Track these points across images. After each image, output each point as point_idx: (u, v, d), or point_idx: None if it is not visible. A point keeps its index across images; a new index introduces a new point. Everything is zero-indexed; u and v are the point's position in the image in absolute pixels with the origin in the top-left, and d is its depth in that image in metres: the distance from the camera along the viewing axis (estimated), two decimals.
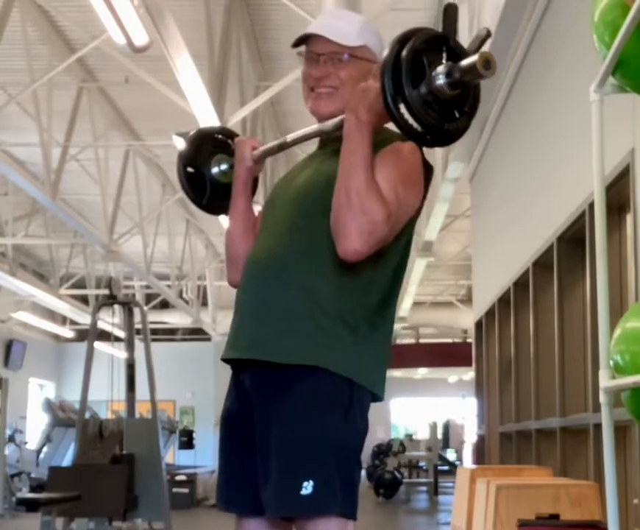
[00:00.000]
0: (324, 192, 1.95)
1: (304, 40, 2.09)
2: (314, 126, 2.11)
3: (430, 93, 1.79)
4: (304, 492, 1.85)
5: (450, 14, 1.83)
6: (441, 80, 1.78)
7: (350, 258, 1.87)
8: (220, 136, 2.35)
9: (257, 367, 1.95)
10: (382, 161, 1.93)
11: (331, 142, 2.09)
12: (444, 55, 1.81)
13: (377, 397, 2.00)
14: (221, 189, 2.30)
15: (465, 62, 1.77)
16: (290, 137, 2.18)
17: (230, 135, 2.36)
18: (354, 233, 1.84)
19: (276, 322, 1.93)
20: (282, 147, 2.22)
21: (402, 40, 1.82)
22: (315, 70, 2.07)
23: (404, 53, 1.79)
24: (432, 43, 1.82)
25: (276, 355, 1.92)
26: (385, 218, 1.86)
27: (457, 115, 1.87)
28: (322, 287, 1.93)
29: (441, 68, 1.79)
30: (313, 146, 2.25)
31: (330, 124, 2.05)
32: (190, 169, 2.32)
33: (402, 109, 1.81)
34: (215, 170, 2.31)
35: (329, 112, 2.06)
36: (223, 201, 2.28)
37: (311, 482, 1.86)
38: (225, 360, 2.05)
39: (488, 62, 1.75)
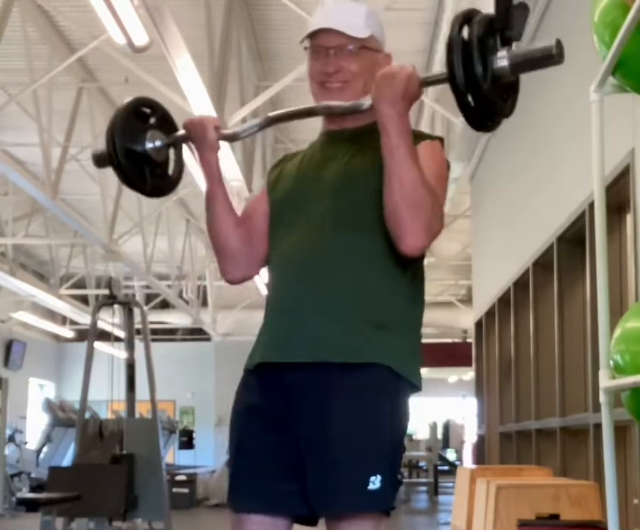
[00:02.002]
0: (365, 189, 1.95)
1: (311, 34, 2.06)
2: (304, 106, 2.06)
3: (493, 74, 1.80)
4: (371, 487, 1.86)
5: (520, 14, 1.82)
6: (504, 62, 1.79)
7: (414, 253, 1.89)
8: (145, 109, 2.18)
9: (309, 366, 1.92)
10: (421, 157, 1.93)
11: (351, 134, 2.06)
12: (499, 39, 1.82)
13: (417, 388, 2.02)
14: (159, 168, 2.16)
15: (540, 46, 1.79)
16: (273, 115, 2.12)
17: (152, 105, 2.19)
18: (418, 229, 1.86)
19: (337, 322, 1.92)
20: (264, 126, 2.13)
21: (466, 19, 1.83)
22: (326, 64, 2.03)
23: (474, 31, 1.79)
24: (491, 27, 1.81)
25: (345, 356, 1.90)
26: (440, 212, 1.91)
27: (506, 99, 1.88)
28: (372, 284, 1.94)
29: (504, 52, 1.79)
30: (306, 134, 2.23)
31: (343, 105, 2.00)
32: (129, 147, 2.10)
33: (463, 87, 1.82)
34: (149, 148, 2.12)
35: None
36: (162, 181, 2.18)
37: (378, 477, 1.87)
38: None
39: (562, 49, 1.78)
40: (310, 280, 1.94)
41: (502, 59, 1.79)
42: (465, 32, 1.81)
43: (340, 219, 1.96)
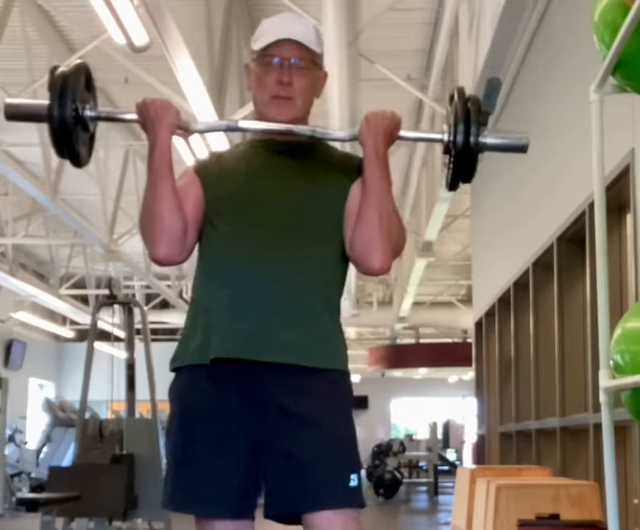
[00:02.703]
0: (324, 202, 2.09)
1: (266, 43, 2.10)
2: (280, 126, 2.11)
3: (479, 146, 2.09)
4: (352, 484, 1.97)
5: (494, 88, 2.18)
6: (486, 139, 2.08)
7: (381, 272, 2.05)
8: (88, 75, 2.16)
9: (281, 369, 1.96)
10: None
11: (295, 145, 2.13)
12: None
13: None
14: (89, 140, 2.17)
15: (515, 141, 2.15)
16: (243, 124, 2.18)
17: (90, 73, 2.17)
18: (386, 251, 2.03)
19: (306, 327, 2.00)
20: (230, 129, 2.21)
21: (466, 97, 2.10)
22: (281, 75, 2.07)
23: (474, 108, 2.07)
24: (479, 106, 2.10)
25: (316, 361, 1.99)
26: (404, 233, 2.11)
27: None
28: (331, 292, 2.09)
29: (488, 134, 2.09)
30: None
31: (337, 134, 2.19)
32: (78, 109, 2.07)
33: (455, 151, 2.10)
34: (92, 115, 2.11)
35: (290, 119, 2.10)
36: (86, 153, 2.17)
37: (356, 474, 1.99)
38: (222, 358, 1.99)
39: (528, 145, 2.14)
40: (276, 282, 1.99)
41: (485, 137, 2.08)
42: (460, 105, 2.07)
43: (302, 227, 2.06)
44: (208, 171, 2.15)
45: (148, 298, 17.99)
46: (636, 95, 2.54)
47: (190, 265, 17.16)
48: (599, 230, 2.46)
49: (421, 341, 21.20)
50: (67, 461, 12.47)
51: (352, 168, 2.12)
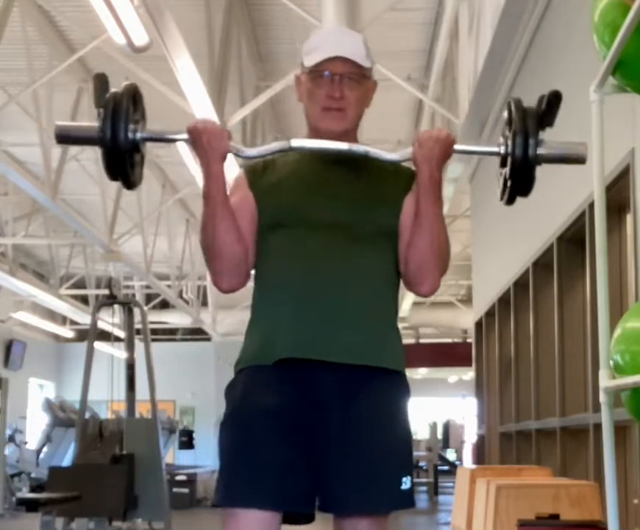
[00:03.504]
0: (380, 210, 2.11)
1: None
2: (334, 144, 2.09)
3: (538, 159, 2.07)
4: (404, 486, 2.02)
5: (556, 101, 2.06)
6: (545, 152, 2.07)
7: (429, 294, 2.12)
8: (137, 96, 2.11)
9: (343, 369, 2.00)
10: None
11: (346, 157, 2.14)
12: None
13: None
14: (140, 161, 2.13)
15: (574, 150, 2.13)
16: (296, 143, 2.12)
17: (139, 94, 2.12)
18: (438, 275, 2.10)
19: (369, 330, 2.04)
20: (283, 150, 2.14)
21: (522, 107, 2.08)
22: (332, 89, 2.10)
23: (532, 120, 2.05)
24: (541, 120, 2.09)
25: (379, 362, 2.04)
26: (450, 256, 2.15)
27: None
28: (388, 296, 2.12)
29: (545, 145, 2.06)
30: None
31: (391, 156, 2.13)
32: (130, 132, 2.03)
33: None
34: (143, 137, 2.07)
35: (342, 131, 2.13)
36: (139, 176, 2.14)
37: (408, 477, 2.04)
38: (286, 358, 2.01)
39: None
40: (336, 288, 2.03)
41: (543, 148, 2.06)
42: (518, 117, 2.05)
43: (358, 235, 2.08)
44: (261, 182, 2.15)
45: (148, 298, 17.99)
46: (636, 95, 2.54)
47: (191, 265, 17.16)
48: (599, 230, 2.46)
49: (421, 341, 21.19)
50: (67, 461, 12.48)
51: (404, 179, 2.16)
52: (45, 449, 14.29)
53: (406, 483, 2.02)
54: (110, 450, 7.27)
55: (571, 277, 5.43)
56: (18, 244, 14.25)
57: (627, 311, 2.41)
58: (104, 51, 7.94)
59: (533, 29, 6.11)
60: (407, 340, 21.76)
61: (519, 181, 2.07)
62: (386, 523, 2.05)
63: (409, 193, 2.13)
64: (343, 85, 2.10)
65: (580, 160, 2.12)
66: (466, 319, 15.64)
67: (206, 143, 2.03)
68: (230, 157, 2.09)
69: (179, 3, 7.43)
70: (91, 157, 10.98)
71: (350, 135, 2.15)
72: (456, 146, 2.08)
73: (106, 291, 8.10)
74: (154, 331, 15.69)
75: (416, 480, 16.01)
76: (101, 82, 2.03)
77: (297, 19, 7.51)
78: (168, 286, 15.45)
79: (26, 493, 10.85)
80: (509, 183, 2.08)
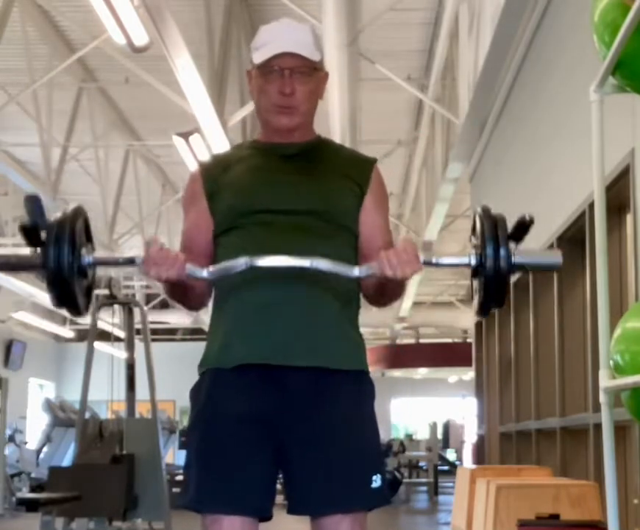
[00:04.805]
0: (339, 207, 2.09)
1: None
2: (300, 260, 1.93)
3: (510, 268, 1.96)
4: (374, 485, 2.01)
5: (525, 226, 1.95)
6: (519, 261, 1.95)
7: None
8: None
9: (307, 371, 1.99)
10: (383, 205, 2.18)
11: (301, 148, 2.15)
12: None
13: None
14: (87, 285, 2.01)
15: (548, 260, 2.08)
16: (259, 262, 1.94)
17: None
18: (388, 305, 2.18)
19: (332, 330, 2.04)
20: (246, 267, 1.94)
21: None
22: (283, 85, 2.07)
23: (502, 228, 1.96)
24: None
25: (341, 363, 2.02)
26: None
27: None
28: (349, 294, 2.10)
29: (518, 253, 1.94)
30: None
31: (356, 272, 1.99)
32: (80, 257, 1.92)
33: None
34: (89, 262, 1.96)
35: (294, 126, 2.12)
36: (87, 301, 2.03)
37: (379, 475, 2.02)
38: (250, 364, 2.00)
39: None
40: (296, 287, 2.01)
41: (516, 257, 1.94)
42: (487, 227, 1.96)
43: (317, 231, 2.06)
44: (217, 182, 2.13)
45: (148, 298, 17.98)
46: (636, 95, 2.54)
47: None
48: (599, 230, 2.46)
49: (421, 341, 21.19)
50: (67, 461, 12.47)
51: (364, 172, 2.15)
52: (45, 449, 14.29)
53: (376, 481, 2.01)
54: (110, 450, 7.26)
55: (571, 277, 5.43)
56: (18, 243, 14.26)
57: (627, 311, 2.41)
58: (104, 51, 7.95)
59: (533, 29, 6.11)
60: (407, 340, 21.78)
61: (492, 292, 1.96)
62: (364, 523, 2.03)
63: (370, 193, 2.12)
64: (294, 79, 2.08)
65: (555, 267, 2.04)
66: (466, 319, 15.63)
67: (155, 276, 1.97)
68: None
69: (179, 3, 7.43)
70: (91, 157, 10.99)
71: (303, 128, 2.14)
72: (424, 260, 1.96)
73: (106, 291, 8.09)
74: (154, 331, 15.68)
75: (415, 480, 15.98)
76: (32, 203, 1.88)
77: (297, 19, 7.49)
78: None
79: (26, 493, 10.84)
80: (482, 294, 1.98)
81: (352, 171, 2.14)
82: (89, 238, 2.02)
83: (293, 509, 2.02)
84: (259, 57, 2.10)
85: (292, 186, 2.09)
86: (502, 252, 1.92)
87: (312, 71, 2.11)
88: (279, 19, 2.21)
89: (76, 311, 1.97)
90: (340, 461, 1.98)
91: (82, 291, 1.96)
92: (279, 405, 1.99)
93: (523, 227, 1.93)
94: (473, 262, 1.96)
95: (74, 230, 1.92)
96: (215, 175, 2.15)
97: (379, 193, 2.17)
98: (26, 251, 1.94)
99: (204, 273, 1.98)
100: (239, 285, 2.03)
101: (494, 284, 1.94)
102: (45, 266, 1.87)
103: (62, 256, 1.87)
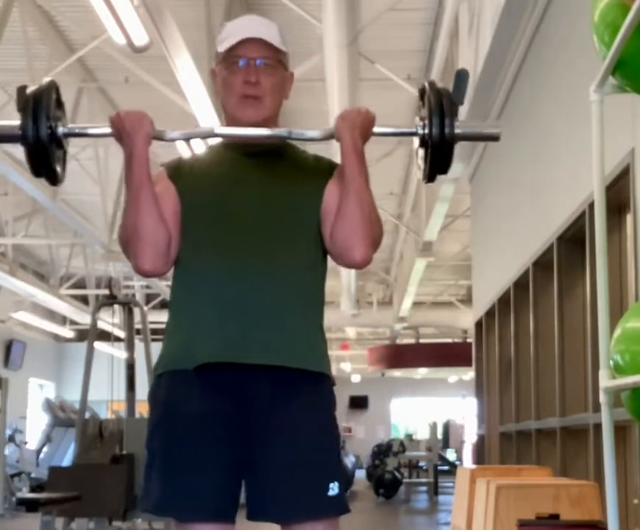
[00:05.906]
0: (297, 206, 2.08)
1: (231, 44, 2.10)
2: (257, 130, 2.09)
3: (453, 137, 2.09)
4: (331, 493, 1.95)
5: (463, 80, 2.11)
6: (461, 131, 2.09)
7: (359, 266, 2.05)
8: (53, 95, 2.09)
9: (266, 372, 1.95)
10: None
11: (265, 150, 2.13)
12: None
13: None
14: (63, 157, 2.15)
15: (488, 131, 2.22)
16: (219, 130, 2.15)
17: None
18: (368, 243, 2.03)
19: (289, 330, 1.99)
20: (206, 136, 2.20)
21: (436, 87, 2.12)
22: (248, 74, 2.07)
23: (447, 100, 2.08)
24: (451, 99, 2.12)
25: (301, 363, 1.98)
26: (383, 232, 2.10)
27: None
28: (310, 294, 2.07)
29: (460, 124, 2.09)
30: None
31: (313, 134, 2.15)
32: (54, 127, 2.06)
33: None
34: (65, 132, 2.10)
35: (261, 120, 2.09)
36: (62, 172, 2.15)
37: (336, 483, 1.97)
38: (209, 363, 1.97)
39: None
40: (255, 287, 1.98)
41: (458, 127, 2.08)
42: (434, 99, 2.08)
43: (278, 230, 2.05)
44: (182, 177, 2.12)
45: (148, 298, 17.99)
46: (636, 95, 2.54)
47: None
48: (599, 230, 2.46)
49: (421, 341, 21.20)
50: (67, 461, 12.48)
51: (324, 169, 2.14)
52: (45, 449, 14.29)
53: (334, 489, 1.95)
54: (110, 450, 7.27)
55: (571, 277, 5.43)
56: (18, 243, 14.25)
57: (627, 311, 2.41)
58: (104, 51, 7.95)
59: (533, 29, 6.11)
60: (407, 340, 21.79)
61: (439, 160, 2.10)
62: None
63: (330, 180, 2.10)
64: (259, 71, 2.07)
65: (493, 138, 2.17)
66: (466, 319, 15.63)
67: (129, 127, 2.03)
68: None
69: (179, 3, 7.43)
70: (91, 156, 10.99)
71: (270, 124, 2.11)
72: (376, 129, 2.11)
73: (106, 291, 8.11)
74: (154, 331, 15.66)
75: (415, 480, 16.01)
76: (22, 91, 2.05)
77: (297, 19, 7.50)
78: (168, 286, 15.43)
79: (26, 493, 10.84)
80: (428, 162, 2.12)
81: (315, 171, 2.14)
82: (62, 110, 2.12)
83: (250, 515, 1.98)
84: (224, 47, 2.10)
85: (257, 191, 2.08)
86: (447, 121, 2.06)
87: (277, 63, 2.10)
88: (245, 15, 2.22)
89: (54, 178, 2.10)
90: (296, 466, 1.94)
91: (58, 160, 2.09)
92: (239, 405, 1.96)
93: (462, 77, 2.08)
94: (420, 131, 2.10)
95: (47, 102, 2.04)
96: (181, 171, 2.14)
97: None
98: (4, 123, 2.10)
99: (172, 134, 2.13)
100: (196, 285, 2.02)
101: (440, 152, 2.08)
102: (24, 135, 2.02)
103: (38, 125, 2.01)
